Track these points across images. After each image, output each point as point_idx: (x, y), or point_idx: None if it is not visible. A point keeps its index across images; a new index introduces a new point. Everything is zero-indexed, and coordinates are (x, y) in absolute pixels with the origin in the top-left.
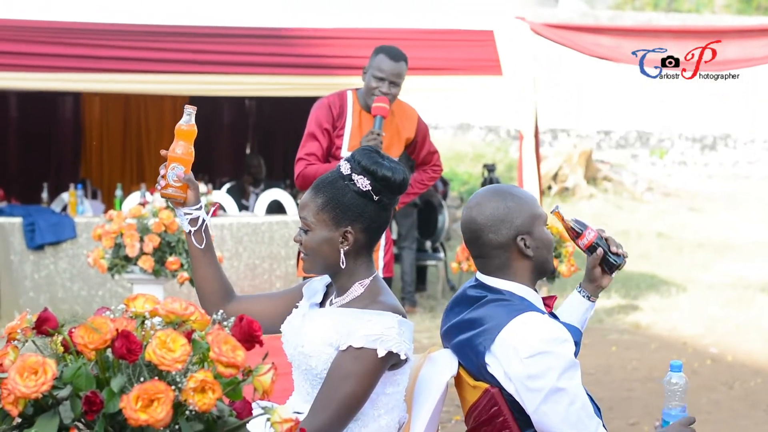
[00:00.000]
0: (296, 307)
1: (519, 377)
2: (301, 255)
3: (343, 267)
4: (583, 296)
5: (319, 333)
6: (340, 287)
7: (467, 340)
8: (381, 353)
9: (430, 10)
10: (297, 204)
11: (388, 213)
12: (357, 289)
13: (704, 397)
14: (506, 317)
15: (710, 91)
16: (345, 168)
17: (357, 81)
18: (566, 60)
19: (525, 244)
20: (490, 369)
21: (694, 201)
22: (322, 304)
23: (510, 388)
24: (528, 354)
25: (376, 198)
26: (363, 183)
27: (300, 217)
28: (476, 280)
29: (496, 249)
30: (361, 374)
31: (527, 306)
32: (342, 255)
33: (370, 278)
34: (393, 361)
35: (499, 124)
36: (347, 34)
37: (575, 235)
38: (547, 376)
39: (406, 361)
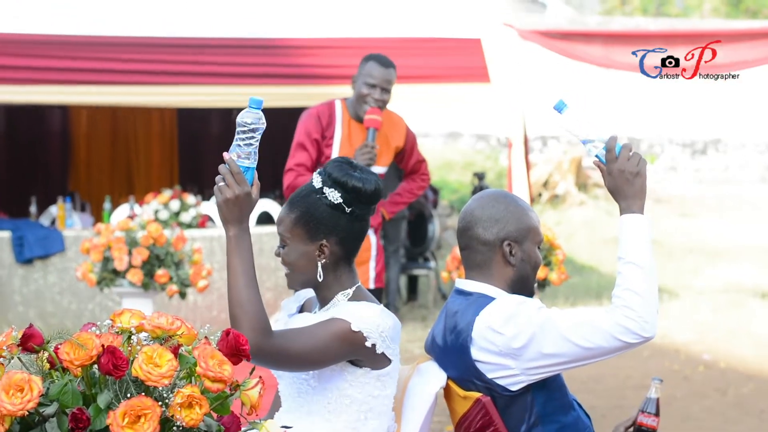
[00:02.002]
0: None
1: (507, 345)
2: (285, 270)
3: (320, 280)
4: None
5: None
6: (323, 299)
7: (449, 347)
8: (354, 327)
9: (417, 19)
10: None
11: (364, 223)
12: (340, 299)
13: (697, 404)
14: (474, 312)
15: (701, 95)
16: (317, 181)
17: (346, 90)
18: (555, 66)
19: (510, 252)
20: (479, 366)
21: (684, 206)
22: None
23: (508, 372)
24: (501, 323)
25: (348, 210)
26: (334, 196)
27: (278, 233)
28: (454, 289)
29: (482, 245)
30: (328, 334)
31: (491, 300)
32: (319, 268)
33: (353, 288)
34: (362, 343)
35: (488, 132)
36: (335, 43)
37: None
38: (525, 326)
39: (390, 363)
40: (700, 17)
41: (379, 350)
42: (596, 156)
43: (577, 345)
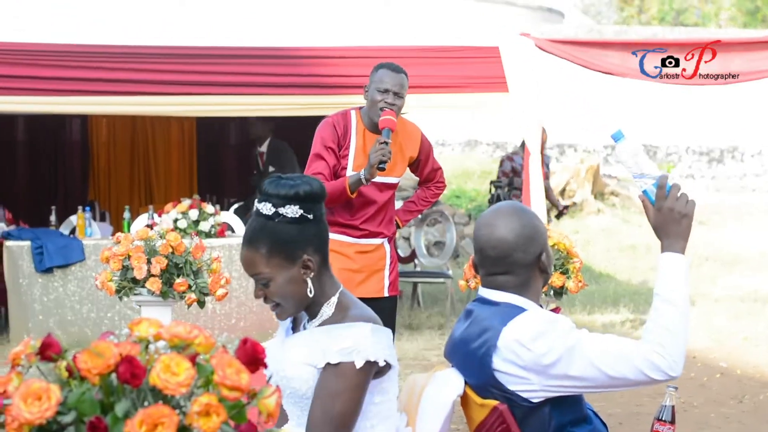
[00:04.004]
0: (273, 336)
1: (533, 362)
2: (271, 307)
3: (311, 295)
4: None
5: (295, 355)
6: (311, 312)
7: (471, 353)
8: (359, 364)
9: (435, 28)
10: None
11: (325, 222)
12: (326, 310)
13: (714, 411)
14: (503, 321)
15: (717, 102)
16: (266, 209)
17: (363, 100)
18: (572, 75)
19: (546, 261)
20: (499, 376)
21: (701, 214)
22: (294, 329)
23: (529, 386)
24: (530, 338)
25: (310, 216)
26: (292, 210)
27: (252, 275)
28: (478, 297)
29: (522, 267)
30: (346, 390)
31: (521, 310)
32: (309, 284)
33: (337, 294)
34: (375, 370)
35: (506, 140)
36: (353, 53)
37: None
38: (555, 346)
39: (389, 367)
40: (717, 27)
41: (382, 363)
42: (644, 192)
43: (604, 373)
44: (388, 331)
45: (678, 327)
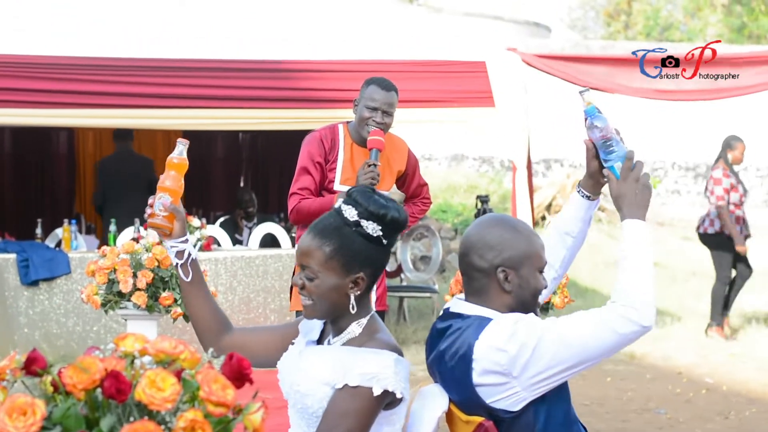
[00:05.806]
0: (292, 343)
1: (510, 362)
2: (304, 300)
3: (354, 312)
4: (582, 196)
5: (315, 372)
6: (338, 328)
7: (449, 370)
8: (377, 392)
9: (421, 42)
10: (291, 237)
11: (389, 255)
12: (354, 329)
13: (699, 428)
14: (474, 335)
15: (703, 117)
16: (350, 213)
17: (351, 114)
18: (559, 90)
19: (506, 278)
20: (480, 390)
21: (687, 230)
22: (319, 342)
23: (511, 390)
24: (503, 341)
25: (385, 242)
26: (373, 228)
27: (301, 264)
28: (444, 311)
29: (477, 272)
30: (357, 412)
31: (488, 321)
32: (352, 300)
33: (368, 317)
34: (388, 400)
35: (492, 155)
36: (340, 67)
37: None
38: (527, 340)
39: (402, 400)
40: (703, 42)
41: (399, 395)
42: (611, 168)
43: (579, 345)
44: (408, 363)
45: (644, 280)
